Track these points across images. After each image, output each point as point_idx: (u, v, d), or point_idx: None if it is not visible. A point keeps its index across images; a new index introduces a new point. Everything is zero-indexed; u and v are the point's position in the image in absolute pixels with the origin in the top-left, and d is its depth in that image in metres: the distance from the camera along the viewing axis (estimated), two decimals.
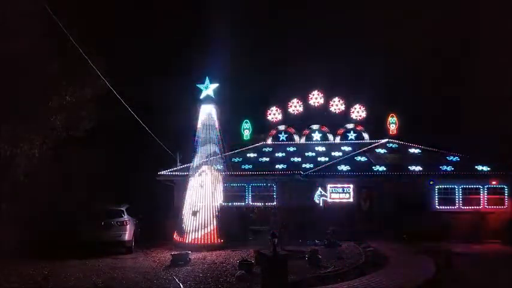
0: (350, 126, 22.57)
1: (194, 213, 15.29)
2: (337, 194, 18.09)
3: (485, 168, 17.96)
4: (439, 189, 18.11)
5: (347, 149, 21.12)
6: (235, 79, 24.84)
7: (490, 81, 23.61)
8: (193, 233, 15.10)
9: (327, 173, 17.99)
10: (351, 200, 18.11)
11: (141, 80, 24.67)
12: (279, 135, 23.03)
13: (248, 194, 19.18)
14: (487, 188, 17.96)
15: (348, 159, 19.20)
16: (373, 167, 18.22)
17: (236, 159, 20.19)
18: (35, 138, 13.28)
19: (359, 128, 22.51)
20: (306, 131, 22.84)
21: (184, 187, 16.56)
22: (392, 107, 22.54)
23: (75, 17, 12.79)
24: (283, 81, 27.59)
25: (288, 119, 23.14)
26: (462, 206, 17.96)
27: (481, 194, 17.95)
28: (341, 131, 22.53)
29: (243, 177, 18.82)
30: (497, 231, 15.81)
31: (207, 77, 16.53)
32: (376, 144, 21.08)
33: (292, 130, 22.97)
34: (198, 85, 16.60)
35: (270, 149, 21.75)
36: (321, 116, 22.92)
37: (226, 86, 18.24)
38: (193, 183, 15.95)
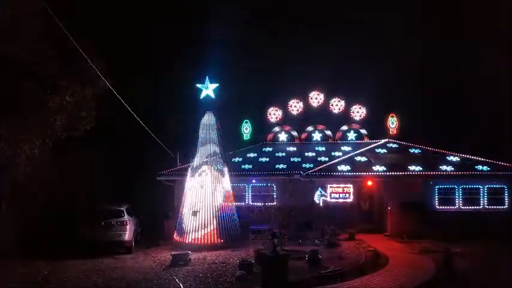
0: (350, 126, 22.56)
1: (194, 214, 15.26)
2: (337, 194, 18.09)
3: (485, 168, 17.96)
4: (439, 189, 18.11)
5: (347, 149, 21.11)
6: (235, 79, 24.85)
7: (489, 80, 23.60)
8: (193, 233, 15.07)
9: (327, 173, 17.99)
10: (351, 200, 18.10)
11: (141, 80, 24.65)
12: (279, 135, 23.04)
13: (248, 194, 19.19)
14: (487, 188, 17.97)
15: (347, 159, 19.18)
16: (373, 167, 18.21)
17: (236, 159, 20.18)
18: (35, 138, 13.27)
19: (359, 128, 22.49)
20: (306, 131, 22.83)
21: (184, 187, 16.56)
22: (392, 107, 22.56)
23: (76, 17, 12.79)
24: (283, 81, 27.59)
25: (288, 119, 23.14)
26: (462, 206, 17.97)
27: (481, 194, 17.97)
28: (341, 131, 22.53)
29: (243, 177, 18.81)
30: (497, 231, 15.80)
31: (207, 77, 16.48)
32: (376, 144, 21.07)
33: (292, 130, 22.95)
34: (198, 85, 16.57)
35: (270, 149, 21.74)
36: (321, 116, 22.94)
37: (226, 86, 18.23)
38: (193, 183, 15.94)
